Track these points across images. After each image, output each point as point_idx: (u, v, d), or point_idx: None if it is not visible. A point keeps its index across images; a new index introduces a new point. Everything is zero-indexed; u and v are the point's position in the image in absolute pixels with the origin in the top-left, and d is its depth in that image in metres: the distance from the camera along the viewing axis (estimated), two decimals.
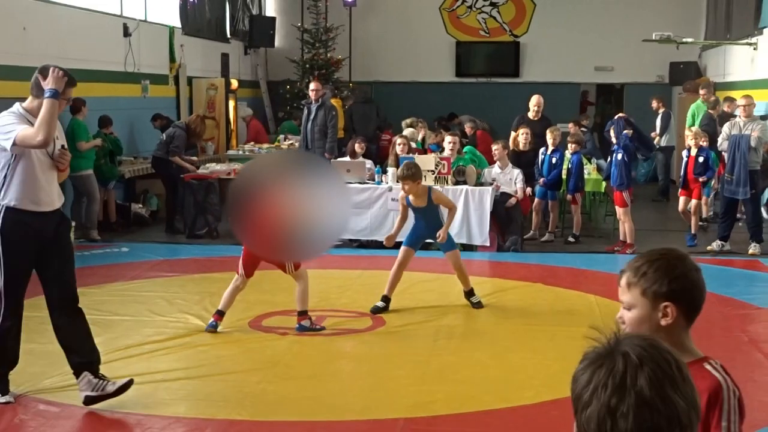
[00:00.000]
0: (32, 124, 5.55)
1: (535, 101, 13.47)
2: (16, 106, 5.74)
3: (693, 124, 14.17)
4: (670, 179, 16.68)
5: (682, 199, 12.26)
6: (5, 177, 5.62)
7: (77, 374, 5.84)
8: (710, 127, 13.18)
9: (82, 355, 5.89)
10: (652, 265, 2.57)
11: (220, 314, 7.69)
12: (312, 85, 13.93)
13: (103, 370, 6.58)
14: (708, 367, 2.57)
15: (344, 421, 5.61)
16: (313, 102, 13.59)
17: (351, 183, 11.79)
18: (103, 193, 13.25)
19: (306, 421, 5.62)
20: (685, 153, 12.39)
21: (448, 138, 12.51)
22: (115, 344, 7.30)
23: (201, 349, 7.21)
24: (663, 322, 2.56)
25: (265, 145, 16.16)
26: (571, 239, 12.25)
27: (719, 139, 11.86)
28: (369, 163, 12.45)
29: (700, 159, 12.00)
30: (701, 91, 14.95)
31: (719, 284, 9.75)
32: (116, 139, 13.64)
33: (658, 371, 1.66)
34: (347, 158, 12.75)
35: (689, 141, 12.31)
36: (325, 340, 7.48)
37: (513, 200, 11.80)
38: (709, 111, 14.28)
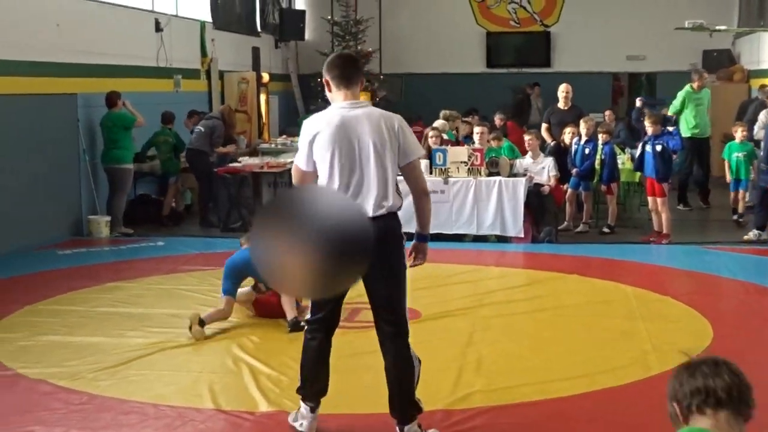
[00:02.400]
0: None
1: (563, 88, 13.41)
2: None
3: (681, 111, 13.95)
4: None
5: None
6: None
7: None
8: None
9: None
10: None
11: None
12: None
13: (141, 363, 6.65)
14: None
15: (381, 414, 5.61)
16: None
17: None
18: (169, 187, 13.63)
19: (343, 414, 5.63)
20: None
21: (476, 128, 12.53)
22: (152, 337, 7.35)
23: (237, 342, 7.22)
24: None
25: (297, 138, 16.19)
26: (605, 230, 12.17)
27: (755, 128, 11.73)
28: None
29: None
30: (693, 77, 14.20)
31: (757, 274, 9.69)
32: (178, 134, 13.81)
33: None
34: None
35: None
36: (361, 333, 7.48)
37: (546, 188, 11.76)
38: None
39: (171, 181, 13.61)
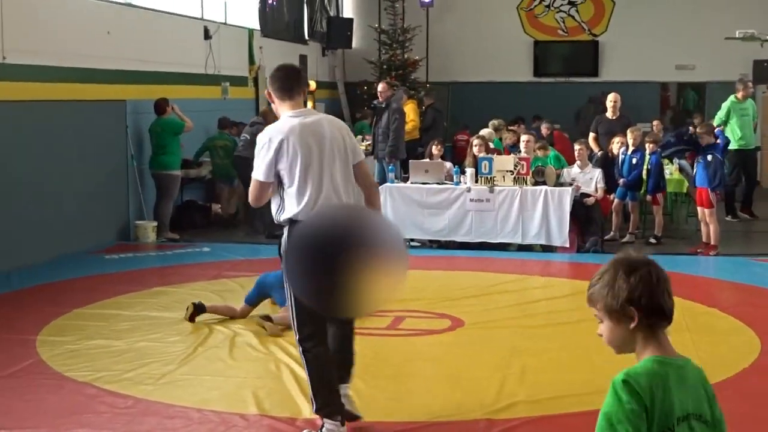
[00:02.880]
0: None
1: (612, 97, 13.34)
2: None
3: (726, 121, 13.65)
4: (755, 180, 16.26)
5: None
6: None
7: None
8: None
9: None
10: None
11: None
12: (379, 87, 13.97)
13: (186, 368, 6.70)
14: None
15: (424, 422, 5.60)
16: (383, 104, 13.63)
17: (429, 183, 11.79)
18: (228, 191, 14.10)
19: (385, 421, 5.63)
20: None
21: (523, 137, 12.49)
22: (197, 342, 7.40)
23: (281, 348, 7.25)
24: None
25: None
26: (652, 240, 12.07)
27: None
28: (447, 164, 12.44)
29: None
30: (738, 87, 13.89)
31: None
32: (235, 139, 14.00)
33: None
34: (426, 159, 12.79)
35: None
36: (404, 341, 7.49)
37: (591, 199, 11.69)
38: None
39: (235, 184, 13.89)
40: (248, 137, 13.27)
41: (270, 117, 13.72)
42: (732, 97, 13.77)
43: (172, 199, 12.75)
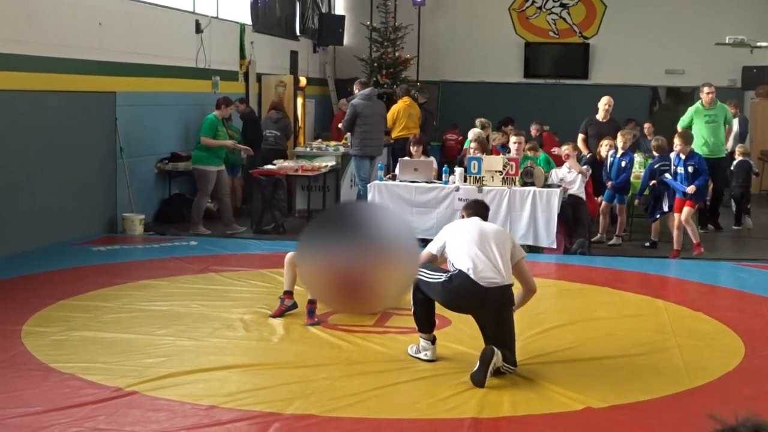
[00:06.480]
0: None
1: (605, 101, 13.33)
2: None
3: (689, 126, 13.03)
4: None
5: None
6: None
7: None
8: None
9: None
10: None
11: (289, 294, 8.06)
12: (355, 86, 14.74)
13: (172, 361, 6.69)
14: None
15: (410, 419, 5.62)
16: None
17: (418, 182, 11.80)
18: (231, 181, 14.12)
19: (373, 418, 5.63)
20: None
21: (513, 138, 12.48)
22: (183, 335, 7.40)
23: (267, 344, 7.27)
24: None
25: (333, 143, 16.20)
26: (647, 244, 12.13)
27: None
28: (435, 163, 12.46)
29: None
30: (704, 90, 13.28)
31: None
32: (237, 128, 14.39)
33: None
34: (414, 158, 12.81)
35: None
36: (391, 338, 7.49)
37: (574, 172, 11.78)
38: None
39: (239, 176, 14.38)
40: (277, 134, 13.94)
41: (282, 107, 14.38)
42: (698, 103, 13.36)
43: (205, 195, 12.72)
